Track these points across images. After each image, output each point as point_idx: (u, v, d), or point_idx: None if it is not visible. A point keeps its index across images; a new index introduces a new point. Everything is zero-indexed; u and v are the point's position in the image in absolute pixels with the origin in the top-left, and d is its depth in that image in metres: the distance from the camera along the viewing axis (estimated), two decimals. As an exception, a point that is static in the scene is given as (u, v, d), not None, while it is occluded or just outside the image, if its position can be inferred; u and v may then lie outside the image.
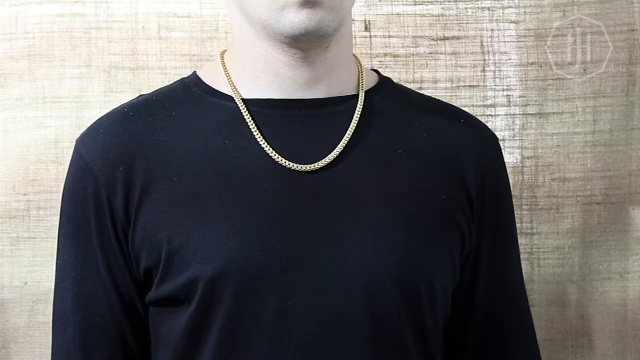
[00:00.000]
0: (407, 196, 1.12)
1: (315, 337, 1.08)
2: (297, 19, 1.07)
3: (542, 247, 1.56)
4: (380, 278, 1.09)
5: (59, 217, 1.19)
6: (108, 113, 1.19)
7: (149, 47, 1.53)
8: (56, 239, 1.51)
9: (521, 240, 1.43)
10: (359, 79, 1.18)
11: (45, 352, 1.55)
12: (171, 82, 1.22)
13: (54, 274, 1.53)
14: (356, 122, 1.14)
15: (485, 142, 1.20)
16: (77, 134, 1.53)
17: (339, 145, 1.12)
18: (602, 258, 1.56)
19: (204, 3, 1.53)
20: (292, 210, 1.10)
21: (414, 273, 1.10)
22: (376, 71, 1.24)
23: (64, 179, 1.19)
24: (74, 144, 1.52)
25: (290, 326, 1.08)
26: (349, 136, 1.13)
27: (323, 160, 1.11)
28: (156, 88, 1.19)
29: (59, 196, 1.53)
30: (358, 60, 1.21)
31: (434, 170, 1.15)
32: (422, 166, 1.14)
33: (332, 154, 1.12)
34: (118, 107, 1.19)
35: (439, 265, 1.13)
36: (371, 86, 1.19)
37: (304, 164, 1.11)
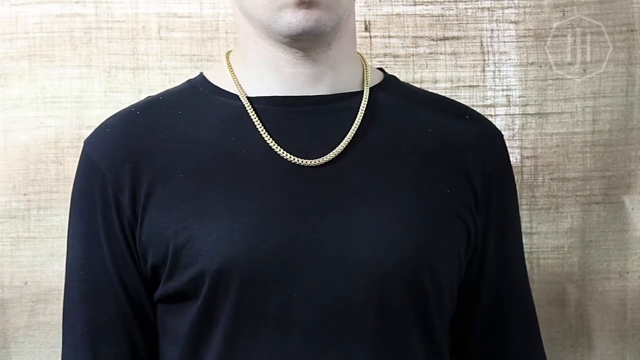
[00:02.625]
0: (412, 191, 1.13)
1: (319, 329, 1.09)
2: (294, 19, 1.08)
3: (541, 246, 1.56)
4: (384, 272, 1.09)
5: (68, 217, 1.19)
6: (115, 113, 1.19)
7: (149, 47, 1.53)
8: (56, 239, 1.53)
9: (521, 240, 1.43)
10: (363, 75, 1.19)
11: (45, 352, 1.55)
12: (171, 82, 1.22)
13: (54, 274, 1.54)
14: (361, 117, 1.15)
15: (490, 139, 1.20)
16: (77, 134, 1.54)
17: (344, 140, 1.13)
18: (602, 258, 1.56)
19: (204, 3, 1.53)
20: (297, 204, 1.10)
21: (419, 267, 1.11)
22: (381, 69, 1.24)
23: (72, 180, 1.19)
24: (74, 144, 1.53)
25: (295, 318, 1.09)
26: (354, 131, 1.14)
27: (328, 154, 1.12)
28: (156, 88, 1.19)
29: (59, 196, 1.54)
30: (363, 58, 1.21)
31: (438, 166, 1.15)
32: (427, 162, 1.15)
33: (338, 148, 1.12)
34: (125, 107, 1.20)
35: (444, 260, 1.13)
36: (376, 83, 1.19)
37: (309, 159, 1.12)
